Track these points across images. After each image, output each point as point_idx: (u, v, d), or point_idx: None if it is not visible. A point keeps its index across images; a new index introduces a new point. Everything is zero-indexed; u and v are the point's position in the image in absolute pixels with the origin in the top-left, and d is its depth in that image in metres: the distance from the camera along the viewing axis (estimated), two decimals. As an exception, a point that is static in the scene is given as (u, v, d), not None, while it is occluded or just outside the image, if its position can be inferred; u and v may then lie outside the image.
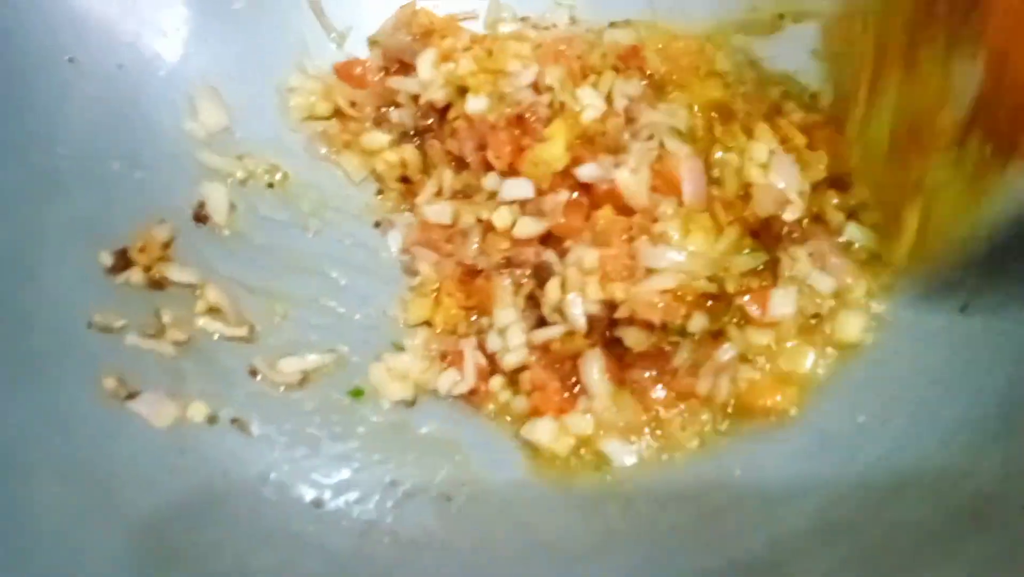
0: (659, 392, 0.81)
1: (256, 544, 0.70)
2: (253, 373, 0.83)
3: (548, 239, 0.87)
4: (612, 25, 1.02)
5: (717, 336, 0.81)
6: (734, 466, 0.77)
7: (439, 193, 0.94)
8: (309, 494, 0.77)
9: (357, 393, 0.84)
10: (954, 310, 0.77)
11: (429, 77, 0.95)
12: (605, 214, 0.83)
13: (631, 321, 0.79)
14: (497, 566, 0.74)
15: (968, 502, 0.63)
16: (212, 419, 0.79)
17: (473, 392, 0.84)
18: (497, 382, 0.84)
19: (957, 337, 0.76)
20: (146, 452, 0.73)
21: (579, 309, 0.80)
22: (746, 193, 0.85)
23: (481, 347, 0.85)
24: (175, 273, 0.86)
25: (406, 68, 0.99)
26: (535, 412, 0.82)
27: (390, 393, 0.84)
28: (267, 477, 0.77)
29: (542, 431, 0.79)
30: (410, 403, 0.84)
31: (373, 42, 1.02)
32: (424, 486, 0.78)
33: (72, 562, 0.62)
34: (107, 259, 0.83)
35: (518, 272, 0.87)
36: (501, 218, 0.87)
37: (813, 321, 0.82)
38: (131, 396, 0.76)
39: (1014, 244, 0.75)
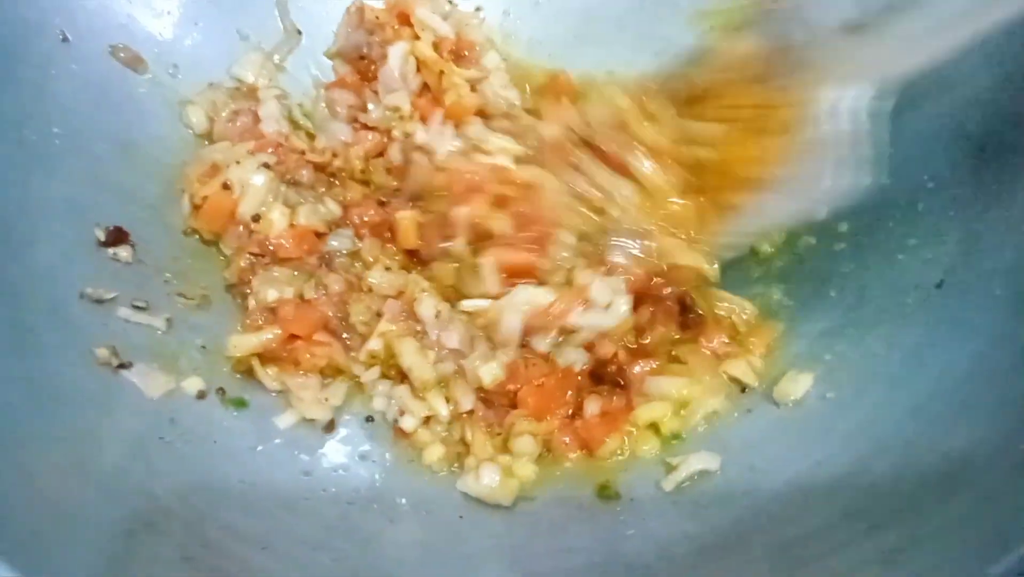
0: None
1: (246, 510, 0.72)
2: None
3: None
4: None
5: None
6: (709, 439, 0.80)
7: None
8: (298, 464, 0.78)
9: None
10: (930, 286, 0.79)
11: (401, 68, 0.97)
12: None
13: None
14: (482, 536, 0.76)
15: (938, 466, 0.65)
16: (202, 394, 0.80)
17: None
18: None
19: (932, 313, 0.78)
20: (137, 421, 0.74)
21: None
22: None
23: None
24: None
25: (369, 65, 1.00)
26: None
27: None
28: (256, 448, 0.78)
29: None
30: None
31: (334, 55, 1.03)
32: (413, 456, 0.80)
33: (65, 526, 0.63)
34: (100, 234, 0.83)
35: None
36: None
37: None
38: (123, 366, 0.77)
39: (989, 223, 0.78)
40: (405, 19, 1.00)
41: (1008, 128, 0.80)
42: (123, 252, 0.84)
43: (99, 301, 0.79)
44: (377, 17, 1.00)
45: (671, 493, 0.76)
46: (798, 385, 0.80)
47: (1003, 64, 0.81)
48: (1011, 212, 0.78)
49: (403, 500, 0.76)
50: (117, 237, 0.84)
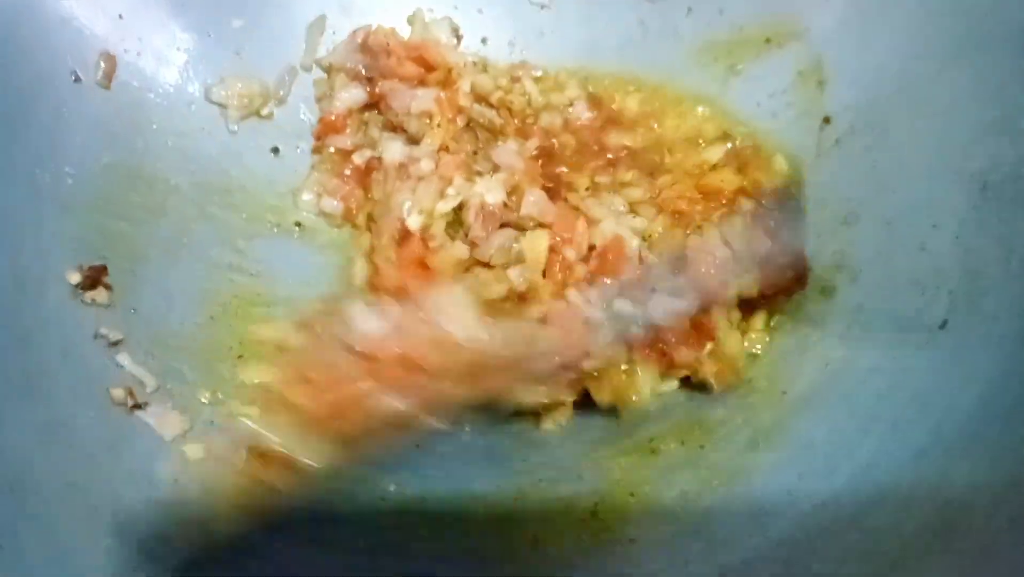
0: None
1: (254, 551, 0.73)
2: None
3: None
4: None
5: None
6: (716, 477, 0.80)
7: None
8: (316, 509, 0.78)
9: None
10: (933, 327, 0.80)
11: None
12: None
13: None
14: (494, 568, 0.77)
15: (939, 512, 0.66)
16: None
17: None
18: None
19: (935, 354, 0.78)
20: (151, 463, 0.76)
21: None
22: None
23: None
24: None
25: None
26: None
27: None
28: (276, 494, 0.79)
29: None
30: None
31: (329, 67, 1.04)
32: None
33: (79, 574, 0.64)
34: (74, 277, 0.82)
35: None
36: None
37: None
38: (138, 406, 0.78)
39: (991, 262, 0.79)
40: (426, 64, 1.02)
41: (1009, 167, 0.81)
42: (100, 296, 0.83)
43: (113, 343, 0.81)
44: (388, 43, 1.02)
45: (678, 534, 0.77)
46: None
47: (1003, 104, 0.81)
48: (1014, 251, 0.78)
49: (414, 541, 0.77)
50: (94, 280, 0.82)
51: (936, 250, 0.83)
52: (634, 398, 0.86)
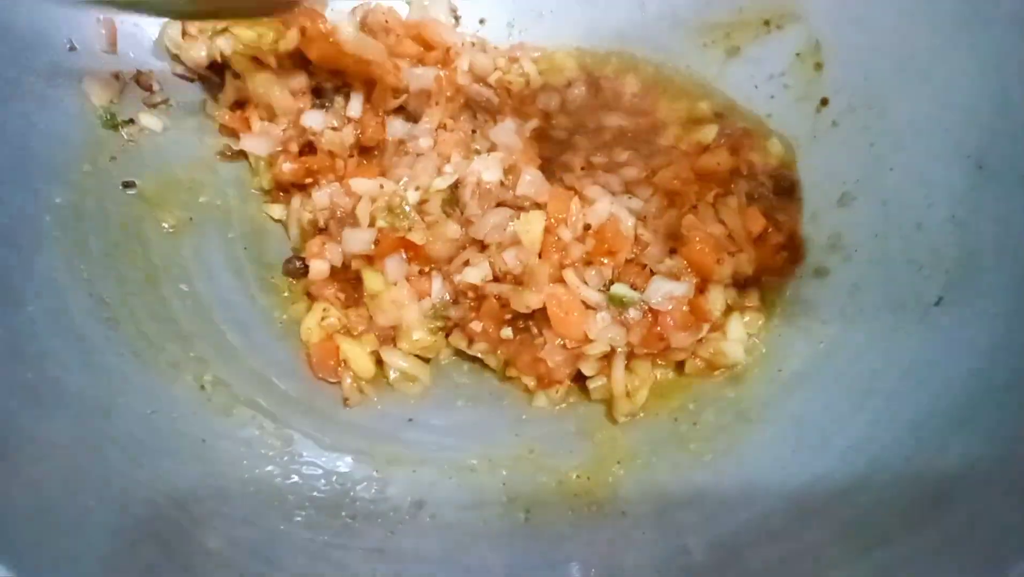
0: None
1: (245, 520, 0.72)
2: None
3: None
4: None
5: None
6: (710, 451, 0.80)
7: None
8: (305, 481, 0.79)
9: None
10: (928, 304, 0.80)
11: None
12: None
13: None
14: (482, 549, 0.76)
15: (934, 484, 0.66)
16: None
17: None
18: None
19: (930, 330, 0.78)
20: (139, 427, 0.75)
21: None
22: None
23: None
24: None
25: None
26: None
27: None
28: (254, 454, 0.79)
29: None
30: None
31: None
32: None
33: (68, 535, 0.64)
34: None
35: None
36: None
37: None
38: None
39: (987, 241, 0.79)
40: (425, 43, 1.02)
41: (1006, 146, 0.80)
42: None
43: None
44: (387, 21, 1.02)
45: (669, 507, 0.76)
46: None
47: (1000, 83, 0.81)
48: (1009, 229, 0.78)
49: (404, 514, 0.77)
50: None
51: (932, 229, 0.83)
52: (628, 398, 0.86)
